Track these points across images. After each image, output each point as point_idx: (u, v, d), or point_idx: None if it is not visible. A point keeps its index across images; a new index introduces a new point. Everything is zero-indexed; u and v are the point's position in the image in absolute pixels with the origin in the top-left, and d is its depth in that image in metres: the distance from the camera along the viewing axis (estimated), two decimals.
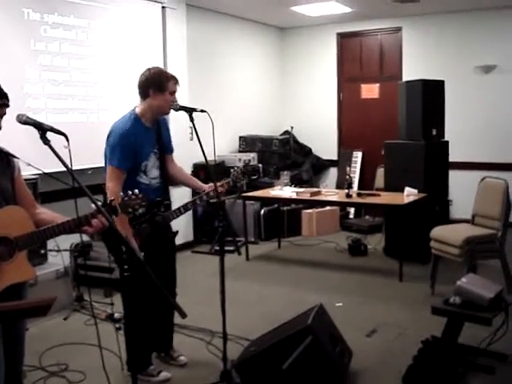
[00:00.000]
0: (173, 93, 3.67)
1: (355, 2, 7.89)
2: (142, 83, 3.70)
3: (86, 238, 5.91)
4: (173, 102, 3.66)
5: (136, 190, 2.63)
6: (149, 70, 3.75)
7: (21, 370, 2.75)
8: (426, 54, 8.65)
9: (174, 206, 3.84)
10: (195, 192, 4.15)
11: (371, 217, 8.67)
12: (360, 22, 9.08)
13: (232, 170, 3.90)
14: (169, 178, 3.94)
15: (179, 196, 4.01)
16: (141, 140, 3.65)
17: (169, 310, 3.97)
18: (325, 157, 9.61)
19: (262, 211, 8.00)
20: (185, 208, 3.74)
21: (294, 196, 6.97)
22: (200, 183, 4.01)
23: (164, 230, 3.79)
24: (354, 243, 7.22)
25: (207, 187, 3.89)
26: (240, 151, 8.81)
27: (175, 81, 3.70)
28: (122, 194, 2.59)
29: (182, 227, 7.14)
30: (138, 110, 3.72)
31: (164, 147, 3.85)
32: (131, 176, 3.64)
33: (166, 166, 3.90)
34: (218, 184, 3.74)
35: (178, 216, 3.77)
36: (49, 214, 2.68)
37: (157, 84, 3.64)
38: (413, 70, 8.56)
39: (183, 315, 2.31)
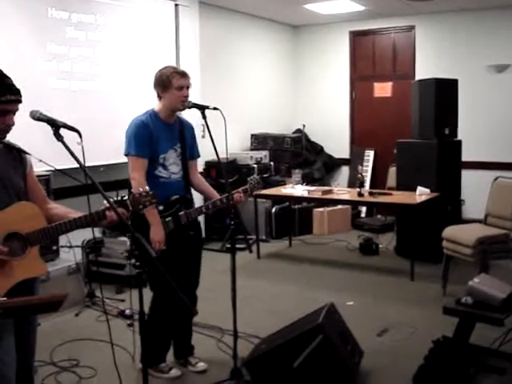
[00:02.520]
0: (180, 88, 3.65)
1: (368, 0, 7.86)
2: (154, 86, 3.75)
3: (98, 234, 5.97)
4: (184, 96, 3.66)
5: (147, 187, 2.65)
6: (157, 72, 3.77)
7: (32, 365, 2.76)
8: (439, 52, 8.61)
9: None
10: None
11: (383, 216, 8.64)
12: (373, 20, 9.05)
13: (249, 179, 3.86)
14: (191, 185, 3.95)
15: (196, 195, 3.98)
16: (158, 132, 3.67)
17: (188, 314, 3.91)
18: (337, 155, 9.59)
19: (274, 209, 7.99)
20: (206, 208, 3.70)
21: (305, 194, 6.96)
22: (217, 195, 3.91)
23: (186, 228, 3.74)
24: (365, 242, 7.20)
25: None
26: (252, 149, 8.81)
27: (179, 75, 3.67)
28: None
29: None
30: (155, 108, 3.76)
31: (187, 149, 3.84)
32: (150, 169, 3.67)
33: (189, 170, 3.90)
34: (235, 191, 3.70)
35: (199, 215, 3.76)
36: (61, 209, 2.70)
37: (161, 83, 3.68)
38: (426, 68, 8.51)
39: (194, 312, 2.31)
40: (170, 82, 3.64)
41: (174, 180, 3.75)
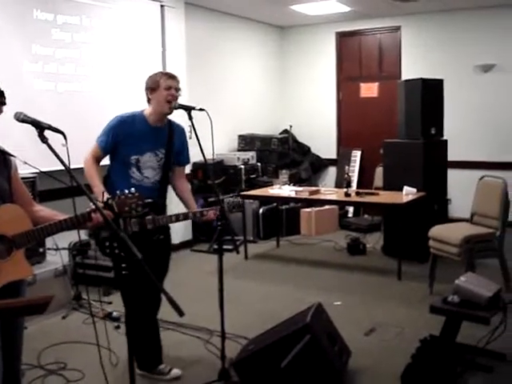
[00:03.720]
0: (168, 88, 3.65)
1: (354, 1, 7.89)
2: (144, 90, 3.76)
3: (84, 236, 5.94)
4: (171, 96, 3.64)
5: (132, 189, 2.63)
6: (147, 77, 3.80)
7: (19, 368, 2.75)
8: (425, 52, 8.65)
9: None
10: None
11: (370, 216, 8.67)
12: (359, 21, 9.08)
13: (227, 201, 3.83)
14: (172, 188, 3.95)
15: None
16: (138, 133, 3.66)
17: (154, 322, 3.92)
18: (324, 156, 9.62)
19: (261, 210, 8.00)
20: (176, 217, 3.63)
21: (292, 195, 6.97)
22: (194, 207, 3.90)
23: (151, 233, 3.62)
24: (352, 242, 7.22)
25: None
26: (239, 150, 8.81)
27: (166, 76, 3.70)
28: (118, 191, 2.60)
29: (181, 226, 7.15)
30: (144, 111, 3.76)
31: (172, 155, 3.81)
32: (124, 168, 3.67)
33: (172, 176, 3.89)
34: (210, 209, 3.66)
35: (167, 223, 3.65)
36: (47, 211, 2.69)
37: (150, 85, 3.70)
38: (412, 68, 8.56)
39: (181, 313, 2.30)
40: (158, 83, 3.66)
41: (145, 184, 3.69)
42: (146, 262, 3.57)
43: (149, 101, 3.74)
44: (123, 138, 3.65)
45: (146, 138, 3.69)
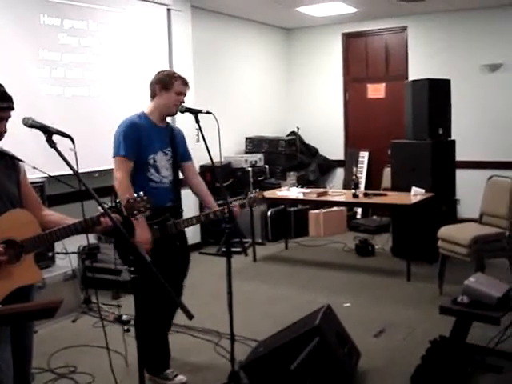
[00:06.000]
0: (179, 93, 3.67)
1: (360, 2, 7.88)
2: (151, 81, 3.76)
3: (93, 240, 5.97)
4: (180, 102, 3.67)
5: (141, 193, 2.65)
6: (159, 71, 3.81)
7: (29, 372, 2.76)
8: (431, 52, 8.63)
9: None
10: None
11: (378, 217, 8.64)
12: (365, 21, 9.07)
13: (249, 194, 3.85)
14: (189, 186, 3.97)
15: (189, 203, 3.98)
16: (148, 133, 3.66)
17: (165, 325, 3.93)
18: (331, 157, 9.60)
19: (269, 212, 8.00)
20: (197, 219, 3.69)
21: (300, 197, 6.96)
22: (213, 203, 3.91)
23: (173, 238, 3.71)
24: (361, 243, 7.21)
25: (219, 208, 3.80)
26: (246, 152, 8.82)
27: (183, 82, 3.71)
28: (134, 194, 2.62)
29: (190, 229, 7.11)
30: (146, 111, 3.76)
31: (178, 153, 3.83)
32: (142, 171, 3.65)
33: (185, 175, 3.93)
34: (232, 204, 3.68)
35: (189, 226, 3.70)
36: (56, 215, 2.69)
37: (163, 82, 3.68)
38: (419, 69, 8.54)
39: (190, 316, 2.31)
40: (172, 84, 3.66)
41: (164, 185, 3.72)
42: (167, 269, 3.64)
43: (154, 96, 3.73)
44: (139, 140, 3.63)
45: (155, 137, 3.70)
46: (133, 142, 3.60)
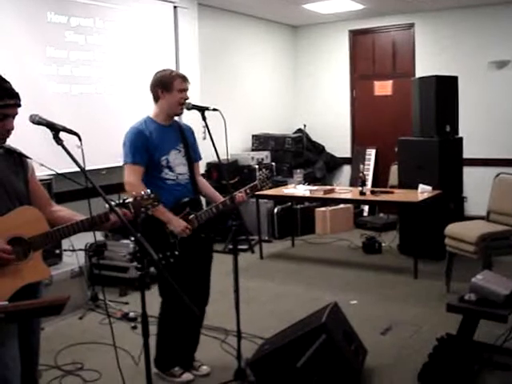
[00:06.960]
0: (181, 90, 3.66)
1: None
2: (151, 86, 3.74)
3: (100, 237, 5.98)
4: (184, 99, 3.66)
5: (148, 190, 2.66)
6: (156, 73, 3.78)
7: (36, 369, 2.76)
8: (438, 49, 8.60)
9: None
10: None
11: (385, 214, 8.63)
12: (372, 18, 9.05)
13: (258, 174, 3.86)
14: None
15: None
16: (157, 136, 3.65)
17: (196, 321, 3.92)
18: (338, 154, 9.59)
19: (276, 209, 7.99)
20: (216, 208, 3.67)
21: (307, 194, 6.95)
22: (220, 197, 3.89)
23: (197, 231, 3.66)
24: (368, 241, 7.20)
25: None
26: (253, 150, 8.81)
27: (181, 78, 3.69)
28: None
29: None
30: (151, 114, 3.75)
31: (190, 149, 3.81)
32: (155, 173, 3.64)
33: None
34: (238, 191, 3.70)
35: (209, 217, 3.67)
36: (66, 211, 2.70)
37: (163, 83, 3.66)
38: (426, 66, 8.51)
39: (196, 312, 2.31)
40: (172, 84, 3.64)
41: (181, 181, 3.71)
42: (193, 263, 3.63)
43: (157, 99, 3.71)
44: (147, 146, 3.61)
45: (163, 138, 3.68)
46: (139, 148, 3.59)
